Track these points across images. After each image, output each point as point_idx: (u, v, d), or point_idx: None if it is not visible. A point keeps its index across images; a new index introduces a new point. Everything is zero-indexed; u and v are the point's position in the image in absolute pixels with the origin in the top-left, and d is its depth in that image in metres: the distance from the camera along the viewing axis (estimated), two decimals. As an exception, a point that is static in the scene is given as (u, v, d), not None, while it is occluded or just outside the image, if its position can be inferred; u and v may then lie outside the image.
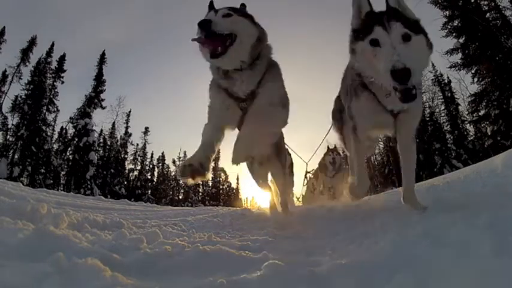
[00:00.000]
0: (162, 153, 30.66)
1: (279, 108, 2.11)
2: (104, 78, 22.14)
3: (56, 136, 21.09)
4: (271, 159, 2.96)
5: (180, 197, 31.08)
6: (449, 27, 13.74)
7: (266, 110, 1.99)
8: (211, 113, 2.06)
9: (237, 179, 36.24)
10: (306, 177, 7.22)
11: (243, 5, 2.18)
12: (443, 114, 18.54)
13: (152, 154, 29.13)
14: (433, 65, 18.81)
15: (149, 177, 28.72)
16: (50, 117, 20.39)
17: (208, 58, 1.92)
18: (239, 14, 2.01)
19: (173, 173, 31.37)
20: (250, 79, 1.98)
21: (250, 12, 2.09)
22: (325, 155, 6.06)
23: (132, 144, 26.73)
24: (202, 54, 1.98)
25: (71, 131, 21.37)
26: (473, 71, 13.54)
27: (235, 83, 1.97)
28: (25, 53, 19.64)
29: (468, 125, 17.05)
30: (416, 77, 1.52)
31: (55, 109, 20.63)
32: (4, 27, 18.69)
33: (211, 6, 2.14)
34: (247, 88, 1.97)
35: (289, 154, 4.31)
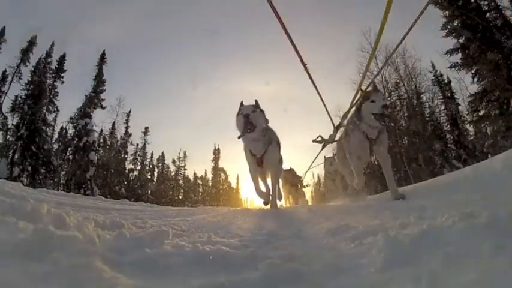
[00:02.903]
0: (162, 153, 30.62)
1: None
2: (104, 78, 22.12)
3: (56, 136, 21.09)
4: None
5: (180, 197, 31.06)
6: (449, 27, 13.73)
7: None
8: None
9: (237, 179, 36.29)
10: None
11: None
12: (443, 114, 18.53)
13: (152, 154, 29.12)
14: (433, 65, 18.84)
15: (149, 177, 28.70)
16: (50, 117, 20.36)
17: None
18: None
19: (173, 173, 31.38)
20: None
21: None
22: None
23: (132, 144, 26.69)
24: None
25: (71, 131, 21.35)
26: (473, 71, 13.53)
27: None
28: (25, 53, 19.61)
29: (468, 125, 17.04)
30: None
31: (55, 109, 20.61)
32: (4, 27, 18.67)
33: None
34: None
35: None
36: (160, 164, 30.42)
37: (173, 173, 31.34)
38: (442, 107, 18.66)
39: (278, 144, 4.14)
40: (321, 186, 29.39)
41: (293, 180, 8.65)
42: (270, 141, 3.95)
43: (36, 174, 18.30)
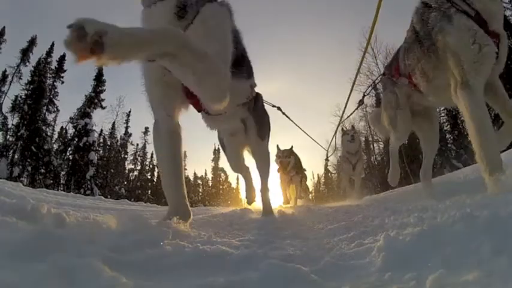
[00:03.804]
0: (162, 153, 30.64)
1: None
2: (104, 78, 22.14)
3: (56, 136, 21.10)
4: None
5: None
6: (449, 27, 13.72)
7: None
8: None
9: (237, 179, 36.21)
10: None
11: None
12: (443, 114, 18.55)
13: (152, 154, 29.11)
14: (433, 65, 18.82)
15: (149, 177, 28.71)
16: (50, 117, 20.42)
17: None
18: None
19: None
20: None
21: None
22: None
23: (132, 144, 26.74)
24: None
25: (71, 131, 21.38)
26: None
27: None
28: (25, 53, 19.66)
29: (468, 125, 17.05)
30: None
31: (55, 109, 20.65)
32: (4, 27, 18.73)
33: None
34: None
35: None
36: (160, 164, 30.41)
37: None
38: (442, 107, 18.68)
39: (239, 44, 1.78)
40: (321, 185, 29.33)
41: (295, 166, 5.99)
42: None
43: (36, 174, 18.30)
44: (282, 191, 6.37)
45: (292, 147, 6.11)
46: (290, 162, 6.02)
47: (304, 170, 6.50)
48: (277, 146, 5.91)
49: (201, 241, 1.29)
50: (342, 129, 5.63)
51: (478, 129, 1.78)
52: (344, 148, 5.74)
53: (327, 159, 6.56)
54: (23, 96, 19.22)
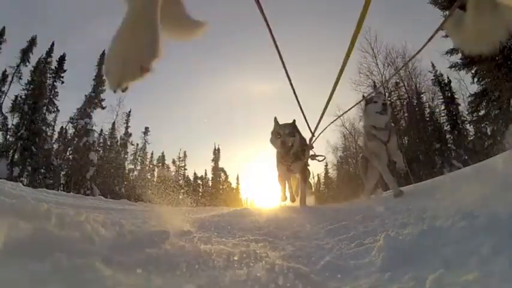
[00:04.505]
0: (162, 153, 30.67)
1: None
2: (104, 78, 22.05)
3: (56, 136, 21.09)
4: None
5: (180, 197, 31.01)
6: (449, 27, 13.69)
7: None
8: None
9: (237, 179, 36.22)
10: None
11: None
12: (443, 114, 18.55)
13: (152, 154, 29.16)
14: (433, 65, 18.83)
15: (149, 177, 28.70)
16: (50, 117, 20.38)
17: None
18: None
19: (173, 173, 31.37)
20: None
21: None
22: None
23: (132, 144, 26.70)
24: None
25: (71, 131, 21.36)
26: (473, 71, 13.54)
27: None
28: (25, 53, 19.65)
29: (468, 125, 17.07)
30: None
31: (55, 109, 20.63)
32: (4, 27, 18.71)
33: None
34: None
35: None
36: (160, 164, 30.44)
37: (173, 173, 31.38)
38: (442, 107, 18.68)
39: None
40: (321, 185, 29.28)
41: (299, 148, 3.93)
42: None
43: (36, 174, 18.31)
44: (280, 184, 4.52)
45: (294, 121, 4.09)
46: (295, 142, 3.97)
47: (312, 148, 4.42)
48: (275, 118, 4.15)
49: (202, 241, 1.29)
50: (363, 96, 3.92)
51: None
52: (368, 122, 3.83)
53: (311, 144, 4.36)
54: (23, 96, 19.24)
